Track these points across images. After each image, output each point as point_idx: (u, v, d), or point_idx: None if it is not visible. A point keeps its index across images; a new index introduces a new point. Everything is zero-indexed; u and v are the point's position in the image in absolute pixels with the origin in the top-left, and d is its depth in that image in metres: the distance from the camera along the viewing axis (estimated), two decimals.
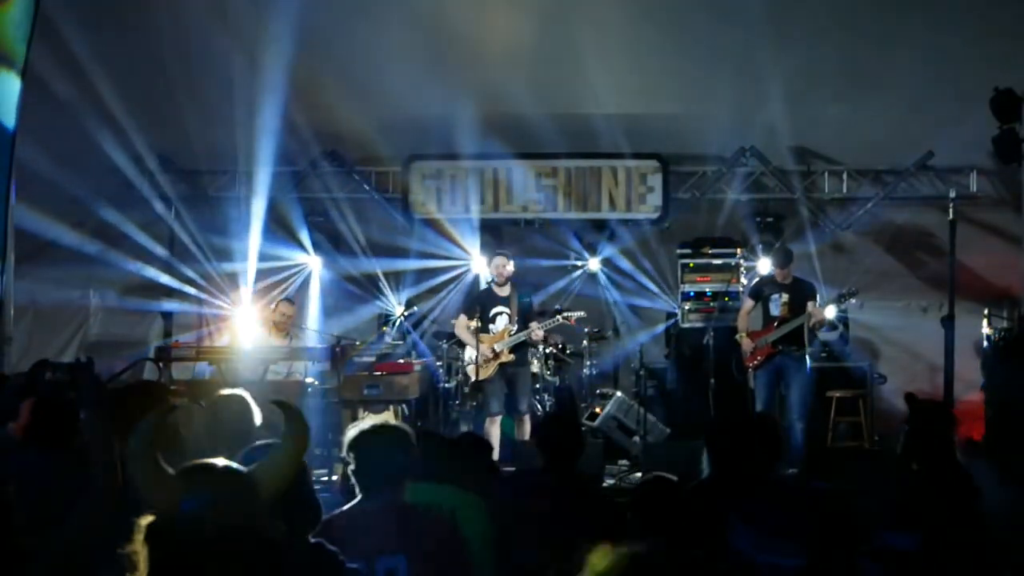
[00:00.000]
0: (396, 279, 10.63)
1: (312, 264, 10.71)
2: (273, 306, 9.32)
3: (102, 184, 9.52)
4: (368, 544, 3.29)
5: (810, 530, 2.54)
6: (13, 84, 7.60)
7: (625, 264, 10.40)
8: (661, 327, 10.51)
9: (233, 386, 7.61)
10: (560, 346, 9.84)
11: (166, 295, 10.55)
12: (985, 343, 9.43)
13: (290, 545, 2.55)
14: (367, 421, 3.81)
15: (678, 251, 10.19)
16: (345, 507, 3.56)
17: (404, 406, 8.49)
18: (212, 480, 2.11)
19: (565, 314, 8.77)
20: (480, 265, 10.22)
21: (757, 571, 2.62)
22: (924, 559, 2.75)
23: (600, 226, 10.51)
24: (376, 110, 9.63)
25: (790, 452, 7.69)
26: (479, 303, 8.69)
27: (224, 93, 9.03)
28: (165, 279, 10.38)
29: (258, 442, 3.11)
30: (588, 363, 9.96)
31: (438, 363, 9.45)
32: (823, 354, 9.57)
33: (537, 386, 9.26)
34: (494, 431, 8.40)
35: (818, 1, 8.77)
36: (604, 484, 7.86)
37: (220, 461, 2.16)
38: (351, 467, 3.62)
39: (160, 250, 10.40)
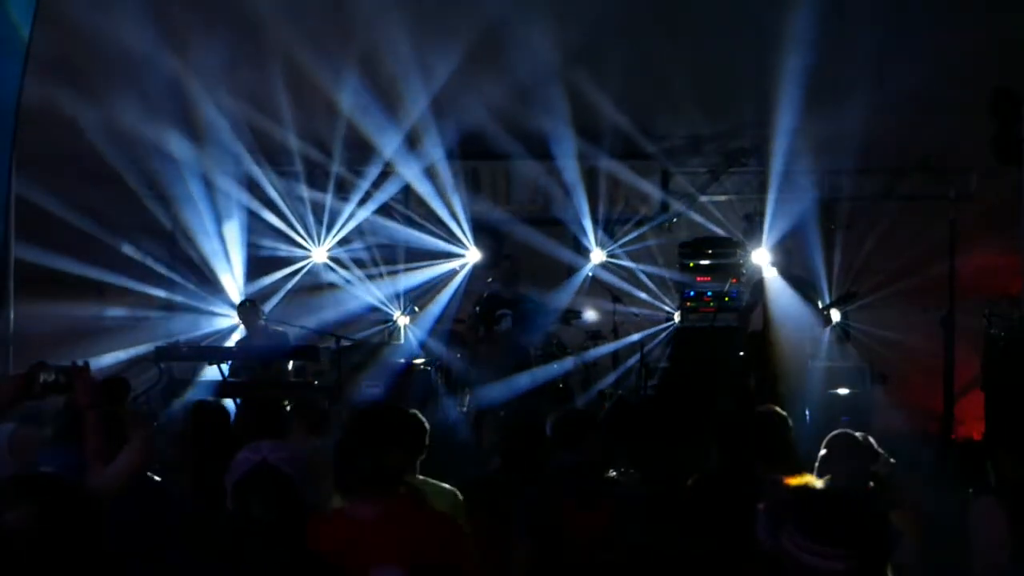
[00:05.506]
0: (395, 278, 10.63)
1: (317, 257, 10.71)
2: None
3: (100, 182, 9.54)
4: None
5: (850, 533, 2.44)
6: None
7: (625, 264, 10.40)
8: (661, 327, 10.51)
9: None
10: (559, 345, 9.82)
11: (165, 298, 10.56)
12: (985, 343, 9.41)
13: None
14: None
15: (678, 251, 10.18)
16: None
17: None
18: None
19: (565, 316, 8.78)
20: (475, 259, 10.23)
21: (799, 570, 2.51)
22: None
23: (600, 226, 10.51)
24: (377, 110, 9.63)
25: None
26: (482, 304, 8.68)
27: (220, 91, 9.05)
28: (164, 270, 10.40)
29: None
30: (588, 363, 9.95)
31: (437, 363, 9.45)
32: (823, 354, 9.55)
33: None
34: None
35: (819, 3, 8.76)
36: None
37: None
38: None
39: (158, 249, 10.41)
